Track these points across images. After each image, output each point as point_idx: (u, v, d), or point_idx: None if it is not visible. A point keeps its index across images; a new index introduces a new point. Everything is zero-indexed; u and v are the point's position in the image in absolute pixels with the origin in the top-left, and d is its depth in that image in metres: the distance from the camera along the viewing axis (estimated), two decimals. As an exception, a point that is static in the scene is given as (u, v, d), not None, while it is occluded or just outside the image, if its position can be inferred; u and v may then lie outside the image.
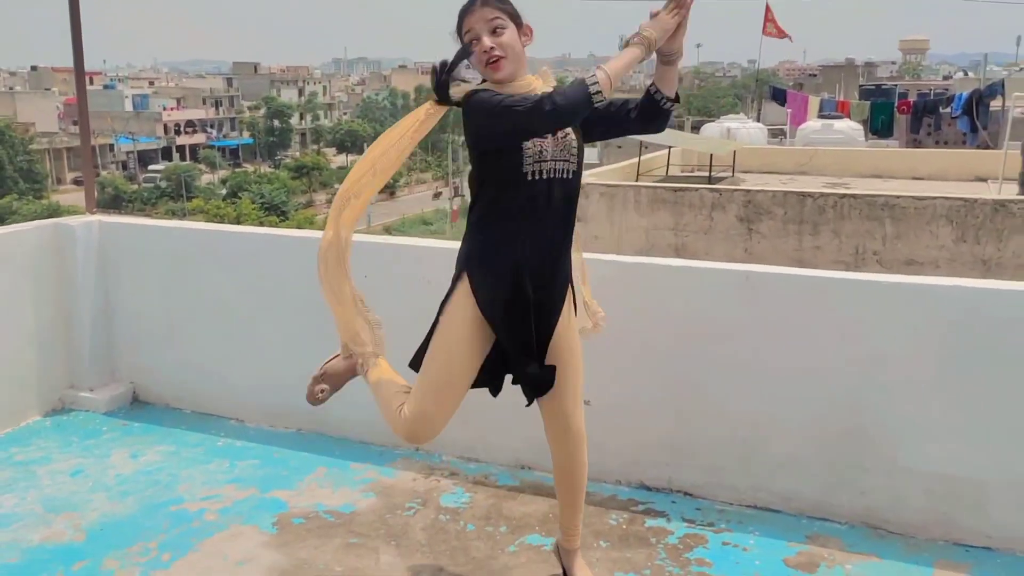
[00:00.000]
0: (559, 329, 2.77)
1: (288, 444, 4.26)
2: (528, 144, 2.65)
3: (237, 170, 71.33)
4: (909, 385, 3.38)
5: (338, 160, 78.63)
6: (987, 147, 18.95)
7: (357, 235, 3.59)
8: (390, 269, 4.08)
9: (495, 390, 2.90)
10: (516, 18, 2.70)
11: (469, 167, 2.84)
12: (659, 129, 2.78)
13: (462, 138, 2.88)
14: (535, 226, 2.67)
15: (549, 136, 2.66)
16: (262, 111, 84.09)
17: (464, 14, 2.69)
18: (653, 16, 2.60)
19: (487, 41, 2.64)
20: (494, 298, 2.69)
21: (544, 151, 2.66)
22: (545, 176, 2.66)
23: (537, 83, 2.72)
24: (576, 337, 2.86)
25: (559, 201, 2.70)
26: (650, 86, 2.73)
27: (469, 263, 2.74)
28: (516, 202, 2.66)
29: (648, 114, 2.74)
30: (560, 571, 3.09)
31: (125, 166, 73.65)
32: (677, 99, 2.73)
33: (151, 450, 4.21)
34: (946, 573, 3.19)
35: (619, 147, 26.04)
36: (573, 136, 2.71)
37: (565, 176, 2.69)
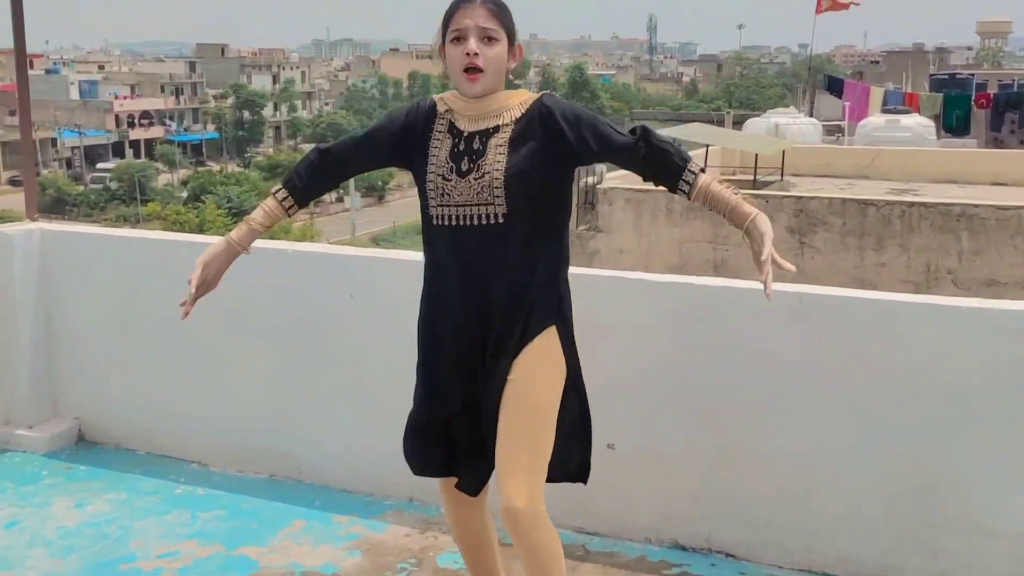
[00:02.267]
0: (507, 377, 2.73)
1: (259, 492, 4.26)
2: (433, 179, 2.75)
3: (200, 169, 71.72)
4: (990, 429, 3.37)
5: (318, 158, 78.84)
6: (1082, 147, 18.96)
7: (340, 247, 3.61)
8: (379, 287, 4.10)
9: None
10: (511, 35, 2.76)
11: None
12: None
13: None
14: (447, 285, 2.79)
15: (455, 176, 2.73)
16: (230, 100, 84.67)
17: (456, 7, 2.73)
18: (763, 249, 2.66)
19: (474, 44, 2.68)
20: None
21: (451, 193, 2.73)
22: (456, 223, 2.74)
23: (514, 100, 2.76)
24: (536, 391, 2.73)
25: (476, 253, 2.73)
26: (682, 181, 2.71)
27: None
28: (428, 251, 2.84)
29: (657, 180, 2.77)
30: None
31: (70, 164, 74.14)
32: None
33: (99, 498, 4.21)
34: (1034, 651, 3.17)
35: (648, 145, 26.05)
36: (496, 175, 2.69)
37: (485, 224, 2.71)
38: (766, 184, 14.95)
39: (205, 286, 2.95)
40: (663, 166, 2.71)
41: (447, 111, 2.81)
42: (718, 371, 3.64)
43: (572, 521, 3.74)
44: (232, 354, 4.43)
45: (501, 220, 2.71)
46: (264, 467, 4.42)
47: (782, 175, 15.82)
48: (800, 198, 12.12)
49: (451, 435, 2.88)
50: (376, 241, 46.82)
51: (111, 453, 4.67)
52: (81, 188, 64.98)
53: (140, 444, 4.68)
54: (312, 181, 2.93)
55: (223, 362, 4.46)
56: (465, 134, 2.76)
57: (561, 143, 2.71)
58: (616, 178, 13.97)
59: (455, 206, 2.73)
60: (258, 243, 4.78)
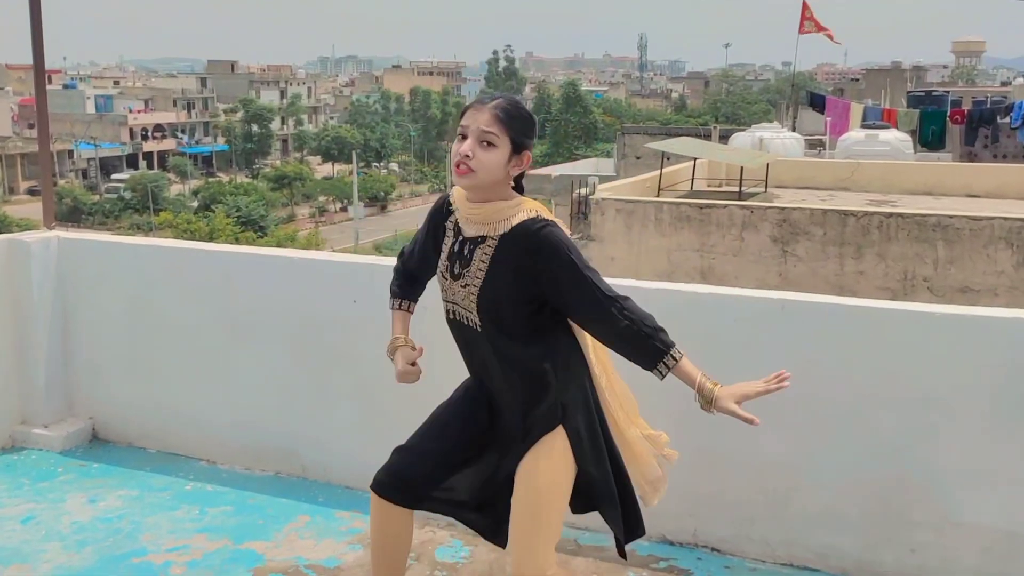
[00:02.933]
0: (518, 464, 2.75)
1: (265, 489, 4.26)
2: (439, 274, 2.82)
3: (210, 180, 71.69)
4: (963, 429, 3.37)
5: (323, 169, 79.06)
6: (1051, 161, 19.01)
7: (343, 255, 3.61)
8: (381, 292, 4.09)
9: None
10: (518, 144, 2.67)
11: None
12: None
13: None
14: (471, 362, 2.86)
15: (449, 276, 2.76)
16: (239, 114, 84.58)
17: (469, 107, 2.73)
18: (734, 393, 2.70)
19: (467, 146, 2.64)
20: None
21: (447, 290, 2.79)
22: (455, 317, 2.79)
23: (512, 212, 2.68)
24: (541, 478, 2.72)
25: (472, 348, 2.80)
26: (664, 361, 2.70)
27: None
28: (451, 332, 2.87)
29: (628, 356, 2.75)
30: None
31: (86, 174, 74.07)
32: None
33: (112, 494, 4.21)
34: (1005, 642, 3.17)
35: (638, 158, 26.14)
36: (472, 290, 2.69)
37: (471, 326, 2.74)
38: (751, 195, 14.97)
39: (412, 376, 3.00)
40: (639, 348, 2.68)
41: (456, 209, 2.81)
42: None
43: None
44: (240, 357, 4.43)
45: (479, 328, 2.73)
46: (270, 465, 4.42)
47: (766, 187, 15.85)
48: (783, 209, 12.13)
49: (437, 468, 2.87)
50: (378, 248, 46.78)
51: (123, 451, 4.66)
52: (96, 198, 64.89)
53: (151, 443, 4.68)
54: (408, 286, 3.06)
55: (231, 365, 4.45)
56: (462, 236, 2.76)
57: (532, 279, 2.64)
58: (608, 189, 13.99)
59: (451, 303, 2.79)
60: (265, 251, 4.79)
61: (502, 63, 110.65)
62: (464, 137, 2.67)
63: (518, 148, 2.68)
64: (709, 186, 16.69)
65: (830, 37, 25.72)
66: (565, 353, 2.75)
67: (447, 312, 2.81)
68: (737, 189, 14.95)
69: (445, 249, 2.80)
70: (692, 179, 15.94)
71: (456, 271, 2.74)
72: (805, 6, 24.84)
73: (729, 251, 11.70)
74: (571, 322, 2.77)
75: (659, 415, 3.70)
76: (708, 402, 2.69)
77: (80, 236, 5.03)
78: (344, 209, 63.11)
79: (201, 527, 3.92)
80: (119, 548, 3.74)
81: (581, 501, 2.83)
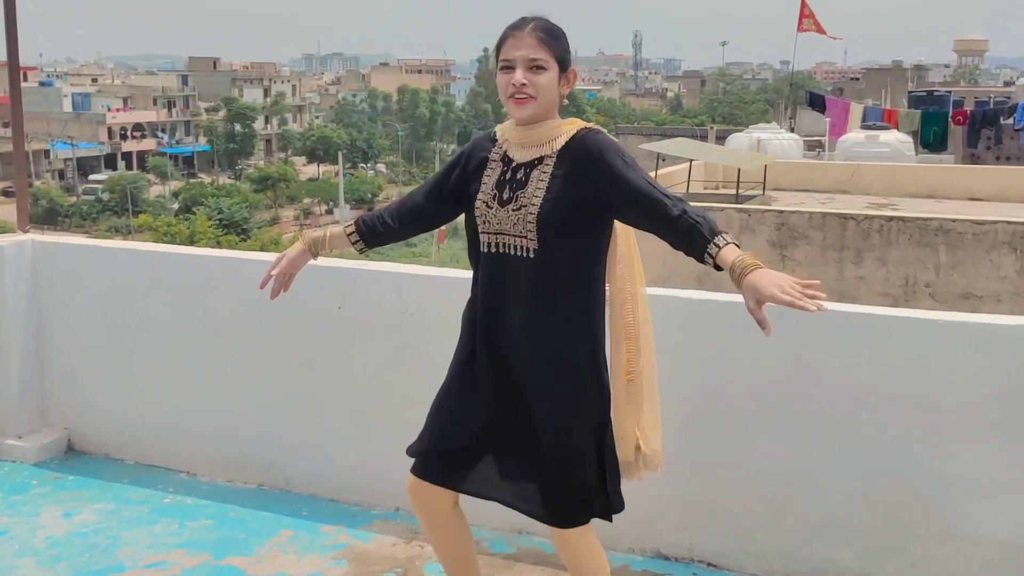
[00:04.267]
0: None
1: (247, 502, 4.24)
2: (479, 205, 2.80)
3: (192, 181, 71.58)
4: (967, 439, 3.38)
5: (308, 170, 78.98)
6: (1056, 163, 19.09)
7: (326, 259, 3.61)
8: (366, 299, 4.09)
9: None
10: (563, 62, 2.77)
11: None
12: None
13: (451, 147, 2.96)
14: (494, 307, 2.80)
15: (496, 204, 2.76)
16: (221, 113, 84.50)
17: (507, 36, 2.76)
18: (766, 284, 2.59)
19: (520, 75, 2.71)
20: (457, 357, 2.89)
21: (491, 221, 2.77)
22: (496, 250, 2.78)
23: (566, 127, 2.77)
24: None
25: (513, 283, 2.76)
26: (707, 250, 2.64)
27: None
28: (477, 272, 2.84)
29: (682, 248, 2.71)
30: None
31: (62, 175, 73.88)
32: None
33: (88, 508, 4.19)
34: (1010, 659, 3.18)
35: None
36: (532, 209, 2.71)
37: (519, 254, 2.74)
38: (748, 198, 15.00)
39: (285, 279, 3.13)
40: (692, 237, 2.65)
41: (504, 140, 2.86)
42: (700, 382, 3.65)
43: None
44: (221, 365, 4.42)
45: (532, 255, 2.72)
46: (252, 477, 4.40)
47: (764, 189, 15.88)
48: (782, 212, 12.17)
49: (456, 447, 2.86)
50: (364, 253, 46.67)
51: (100, 463, 4.64)
52: (73, 199, 64.70)
53: (129, 454, 4.66)
54: (379, 223, 3.04)
55: (212, 374, 4.44)
56: (514, 163, 2.80)
57: (591, 183, 2.70)
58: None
59: (495, 233, 2.77)
60: (246, 255, 4.77)
61: (493, 61, 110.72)
62: (510, 68, 2.73)
63: (564, 66, 2.77)
64: (706, 188, 16.73)
65: (831, 36, 25.79)
66: (598, 309, 2.82)
67: (486, 246, 2.79)
68: (734, 191, 14.98)
69: (489, 181, 2.82)
70: (688, 181, 15.97)
71: (506, 197, 2.76)
72: (804, 3, 24.90)
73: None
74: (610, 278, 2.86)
75: (661, 421, 3.71)
76: (738, 277, 2.63)
77: (56, 239, 5.01)
78: (330, 211, 63.00)
79: (181, 542, 3.90)
80: (95, 564, 3.72)
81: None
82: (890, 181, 16.61)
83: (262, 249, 39.25)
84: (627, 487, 3.73)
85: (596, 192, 2.70)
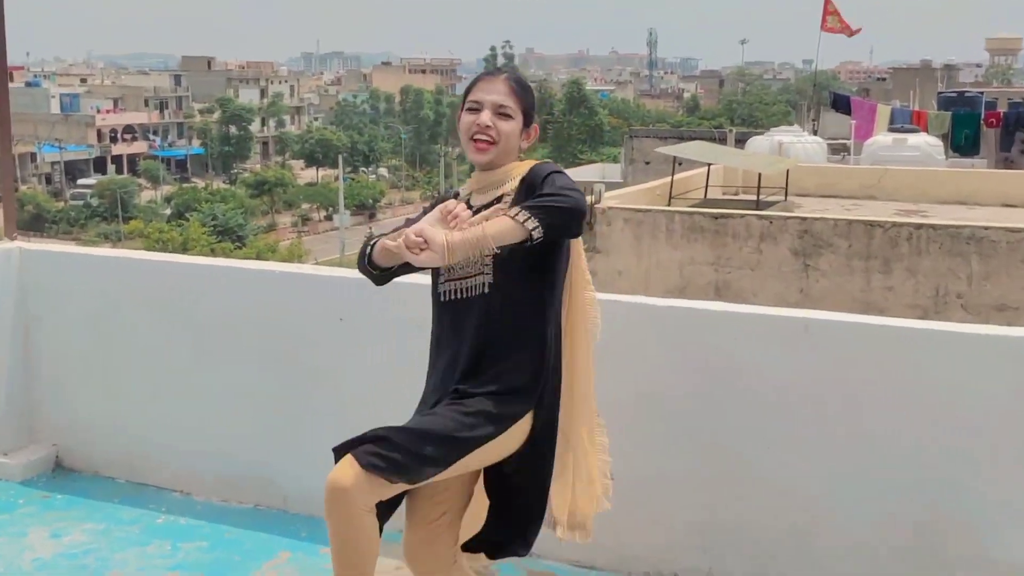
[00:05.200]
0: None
1: (243, 522, 4.25)
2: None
3: (185, 186, 71.83)
4: (1002, 458, 3.37)
5: (306, 175, 79.17)
6: (1094, 168, 19.04)
7: (329, 268, 3.62)
8: (370, 310, 4.10)
9: None
10: (528, 116, 2.94)
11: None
12: None
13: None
14: (440, 357, 2.96)
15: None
16: (216, 115, 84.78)
17: (479, 80, 2.94)
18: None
19: (487, 117, 2.86)
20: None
21: (453, 269, 2.85)
22: (454, 297, 2.88)
23: (518, 170, 2.89)
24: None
25: (466, 325, 2.86)
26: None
27: None
28: (433, 329, 2.99)
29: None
30: None
31: (50, 179, 74.17)
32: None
33: (76, 528, 4.20)
34: None
35: (647, 163, 26.20)
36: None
37: (476, 295, 2.86)
38: (769, 204, 14.99)
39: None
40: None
41: (468, 192, 2.98)
42: (721, 399, 3.64)
43: (570, 554, 3.73)
44: (216, 379, 4.42)
45: (487, 290, 2.83)
46: (249, 496, 4.41)
47: (786, 195, 15.86)
48: (805, 219, 12.14)
49: None
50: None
51: (89, 481, 4.65)
52: (61, 205, 64.99)
53: (120, 472, 4.67)
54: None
55: (206, 389, 4.45)
56: (475, 208, 2.88)
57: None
58: (615, 197, 14.01)
59: (456, 280, 2.87)
60: (243, 264, 4.79)
61: (501, 60, 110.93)
62: (477, 110, 2.87)
63: (528, 120, 2.94)
64: (724, 194, 16.71)
65: (855, 33, 25.78)
66: (552, 341, 2.90)
67: (442, 296, 2.91)
68: (755, 197, 14.96)
69: None
70: (706, 186, 15.96)
71: None
72: (828, 0, 24.92)
73: (746, 265, 11.71)
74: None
75: (674, 441, 3.71)
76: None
77: (43, 247, 5.04)
78: (329, 217, 63.10)
79: (174, 564, 3.90)
80: (84, 587, 3.73)
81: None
82: (919, 187, 16.56)
83: (258, 257, 39.44)
84: (644, 509, 3.73)
85: None
